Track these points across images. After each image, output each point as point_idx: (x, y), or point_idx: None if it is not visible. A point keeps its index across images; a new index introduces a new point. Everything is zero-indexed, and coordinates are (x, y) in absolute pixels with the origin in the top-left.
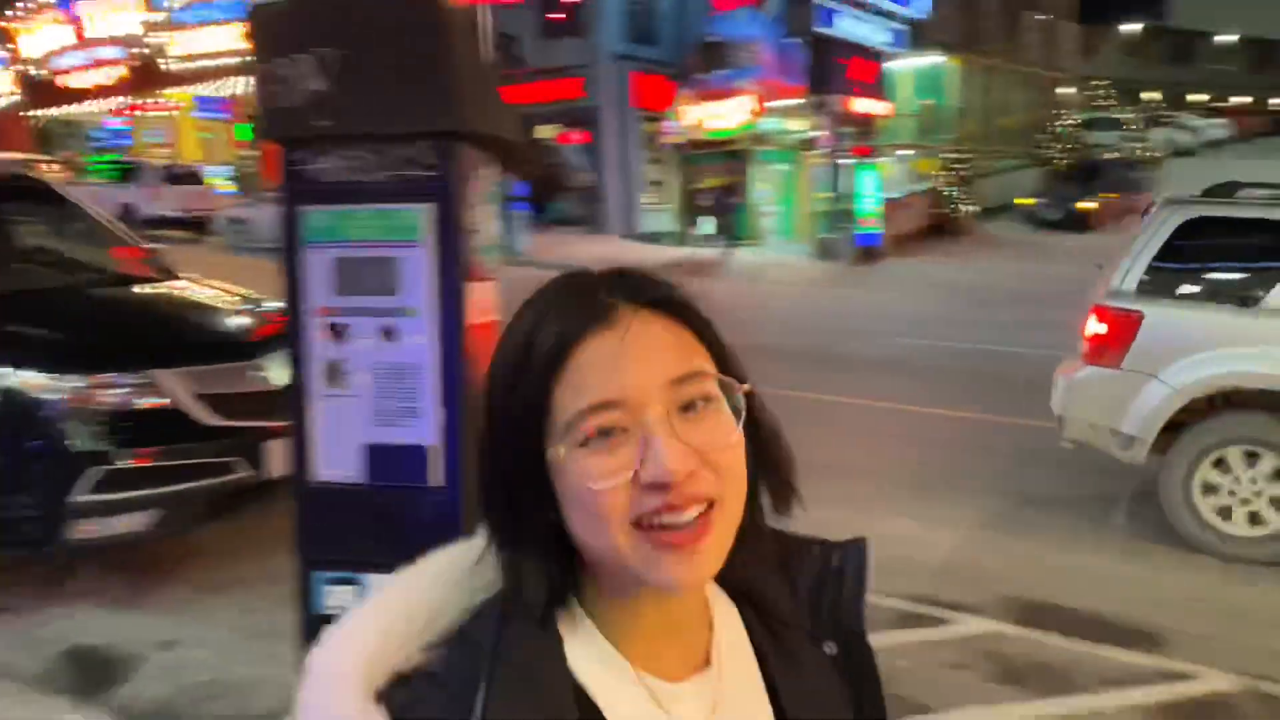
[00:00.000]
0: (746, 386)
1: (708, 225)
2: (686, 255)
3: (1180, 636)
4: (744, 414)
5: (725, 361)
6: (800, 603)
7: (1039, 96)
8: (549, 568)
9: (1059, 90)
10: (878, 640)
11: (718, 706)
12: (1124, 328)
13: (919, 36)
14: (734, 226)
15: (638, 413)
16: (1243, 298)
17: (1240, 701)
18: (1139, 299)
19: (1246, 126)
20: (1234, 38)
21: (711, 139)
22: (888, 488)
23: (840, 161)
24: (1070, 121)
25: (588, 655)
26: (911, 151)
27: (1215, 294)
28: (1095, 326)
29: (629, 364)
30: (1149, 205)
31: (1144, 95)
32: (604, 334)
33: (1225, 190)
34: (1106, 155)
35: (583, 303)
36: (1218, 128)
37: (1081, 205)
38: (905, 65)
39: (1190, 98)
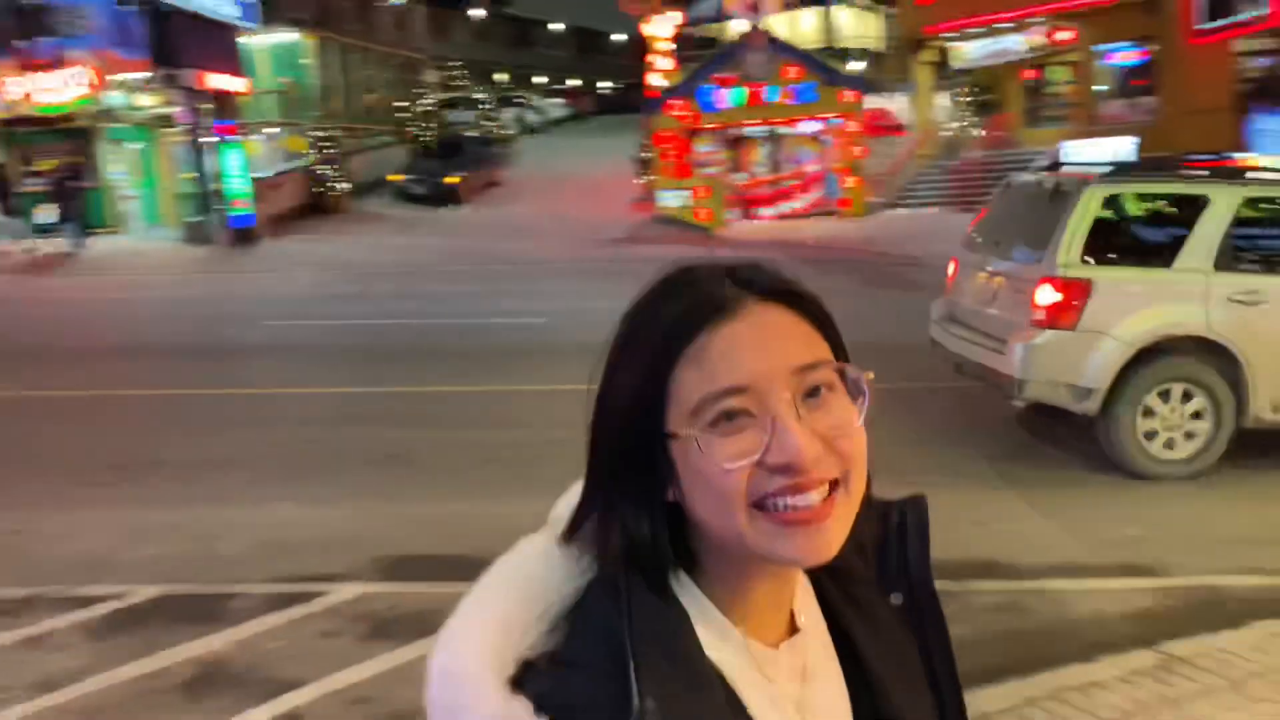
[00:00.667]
0: (870, 374)
1: (48, 214)
2: (24, 248)
3: None
4: (867, 400)
5: (842, 351)
6: (867, 559)
7: (400, 75)
8: (662, 541)
9: (419, 70)
10: (247, 629)
11: (806, 668)
12: (1077, 294)
13: (271, 12)
14: (83, 213)
15: (764, 398)
16: (1163, 260)
17: None
18: (1085, 268)
19: (582, 106)
20: (563, 26)
21: (43, 114)
22: (266, 474)
23: (202, 140)
24: (430, 100)
25: (705, 626)
26: (278, 130)
27: (1144, 259)
28: (1050, 295)
29: (755, 352)
30: (1008, 183)
31: (495, 76)
32: (731, 323)
33: (1147, 167)
34: (466, 133)
35: (709, 292)
36: (559, 107)
37: (447, 180)
38: (262, 41)
39: (534, 79)
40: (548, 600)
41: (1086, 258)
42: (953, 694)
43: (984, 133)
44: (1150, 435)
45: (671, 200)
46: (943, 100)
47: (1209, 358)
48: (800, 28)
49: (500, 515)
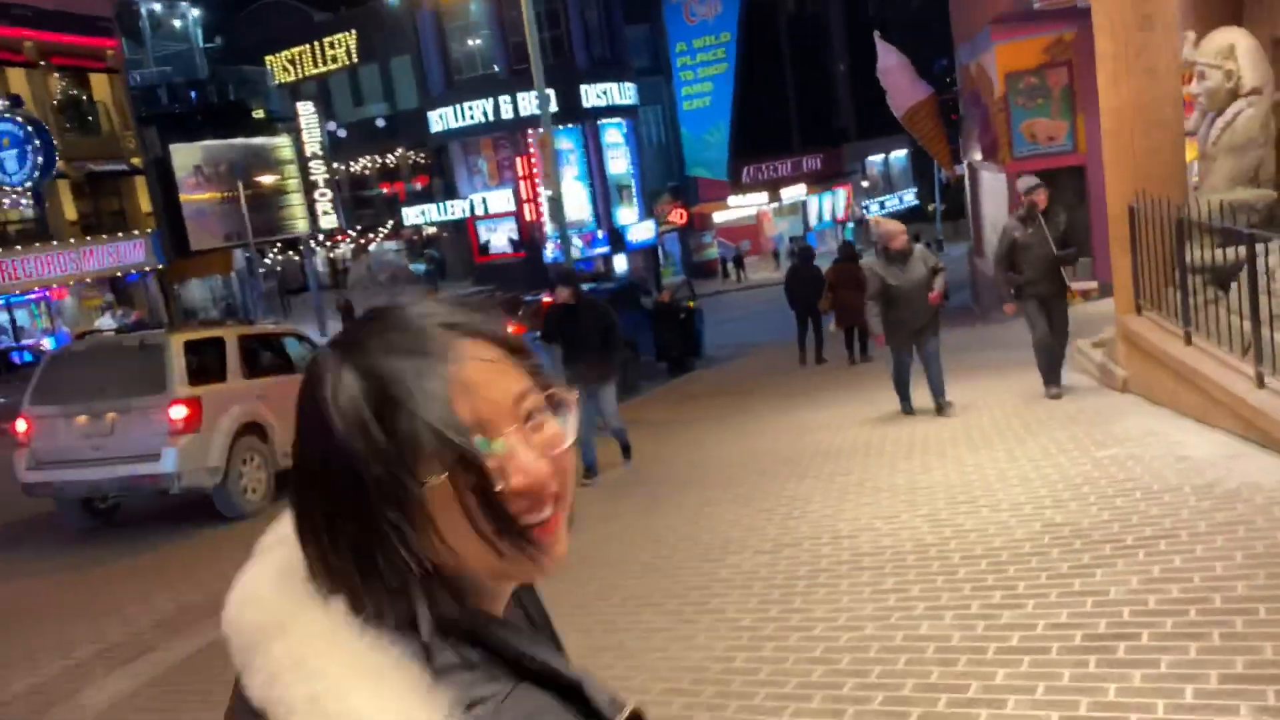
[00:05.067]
0: (573, 395)
1: None
2: None
3: None
4: (573, 416)
5: (539, 373)
6: None
7: None
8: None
9: None
10: None
11: None
12: (196, 407)
13: None
14: None
15: (496, 430)
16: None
17: None
18: (193, 389)
19: None
20: None
21: None
22: None
23: None
24: None
25: (514, 634)
26: None
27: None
28: (181, 411)
29: (479, 389)
30: (54, 356)
31: None
32: (451, 366)
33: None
34: None
35: (422, 339)
36: None
37: None
38: None
39: None
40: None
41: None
42: (545, 623)
43: None
44: (245, 489)
45: None
46: None
47: (259, 434)
48: None
49: None
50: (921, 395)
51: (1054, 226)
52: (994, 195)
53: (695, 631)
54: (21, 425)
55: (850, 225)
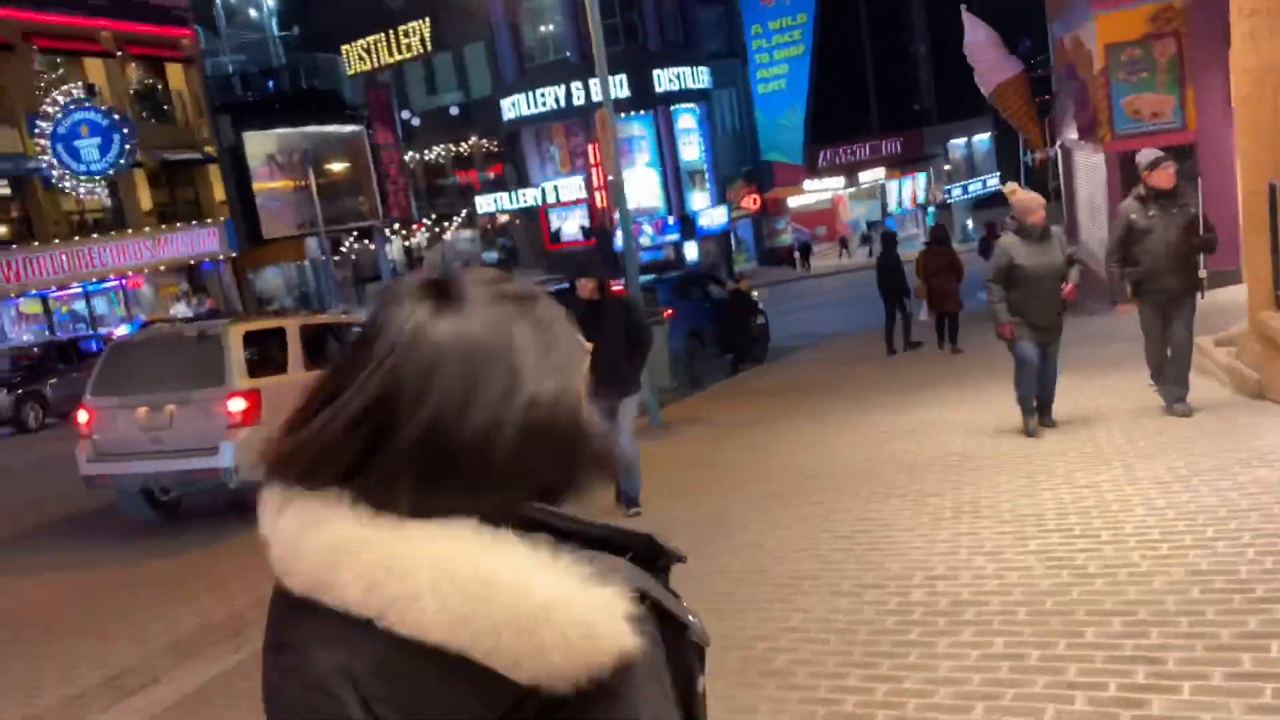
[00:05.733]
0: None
1: None
2: None
3: None
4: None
5: None
6: None
7: None
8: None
9: None
10: None
11: None
12: (254, 400)
13: None
14: None
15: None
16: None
17: None
18: (252, 380)
19: None
20: None
21: None
22: None
23: None
24: None
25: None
26: None
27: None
28: (240, 404)
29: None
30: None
31: None
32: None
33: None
34: None
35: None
36: None
37: None
38: None
39: None
40: None
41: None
42: None
43: None
44: None
45: None
46: None
47: None
48: None
49: None
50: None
51: (1182, 210)
52: (1091, 177)
53: (756, 702)
54: (83, 416)
55: (932, 210)
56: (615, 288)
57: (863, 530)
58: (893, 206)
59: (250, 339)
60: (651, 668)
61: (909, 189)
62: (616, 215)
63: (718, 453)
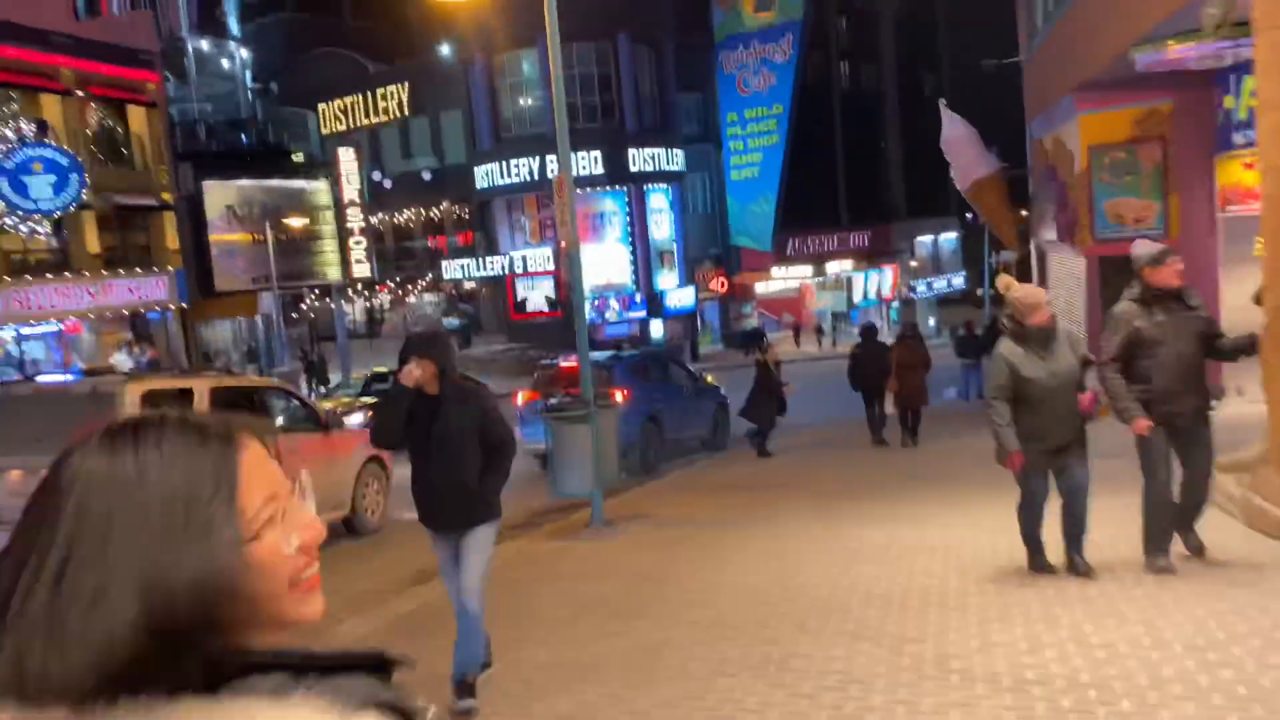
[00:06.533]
0: (307, 480)
1: None
2: None
3: None
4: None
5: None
6: None
7: None
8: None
9: None
10: None
11: None
12: None
13: None
14: None
15: (283, 500)
16: None
17: None
18: None
19: None
20: None
21: None
22: None
23: None
24: None
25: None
26: None
27: None
28: None
29: (267, 469)
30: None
31: None
32: (244, 455)
33: None
34: None
35: (216, 438)
36: None
37: None
38: None
39: None
40: None
41: None
42: None
43: None
44: None
45: None
46: None
47: None
48: None
49: None
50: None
51: (1194, 315)
52: (1068, 279)
53: None
54: None
55: (896, 304)
56: (462, 376)
57: (828, 688)
58: (858, 298)
59: (151, 400)
60: None
61: (875, 282)
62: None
63: (662, 563)
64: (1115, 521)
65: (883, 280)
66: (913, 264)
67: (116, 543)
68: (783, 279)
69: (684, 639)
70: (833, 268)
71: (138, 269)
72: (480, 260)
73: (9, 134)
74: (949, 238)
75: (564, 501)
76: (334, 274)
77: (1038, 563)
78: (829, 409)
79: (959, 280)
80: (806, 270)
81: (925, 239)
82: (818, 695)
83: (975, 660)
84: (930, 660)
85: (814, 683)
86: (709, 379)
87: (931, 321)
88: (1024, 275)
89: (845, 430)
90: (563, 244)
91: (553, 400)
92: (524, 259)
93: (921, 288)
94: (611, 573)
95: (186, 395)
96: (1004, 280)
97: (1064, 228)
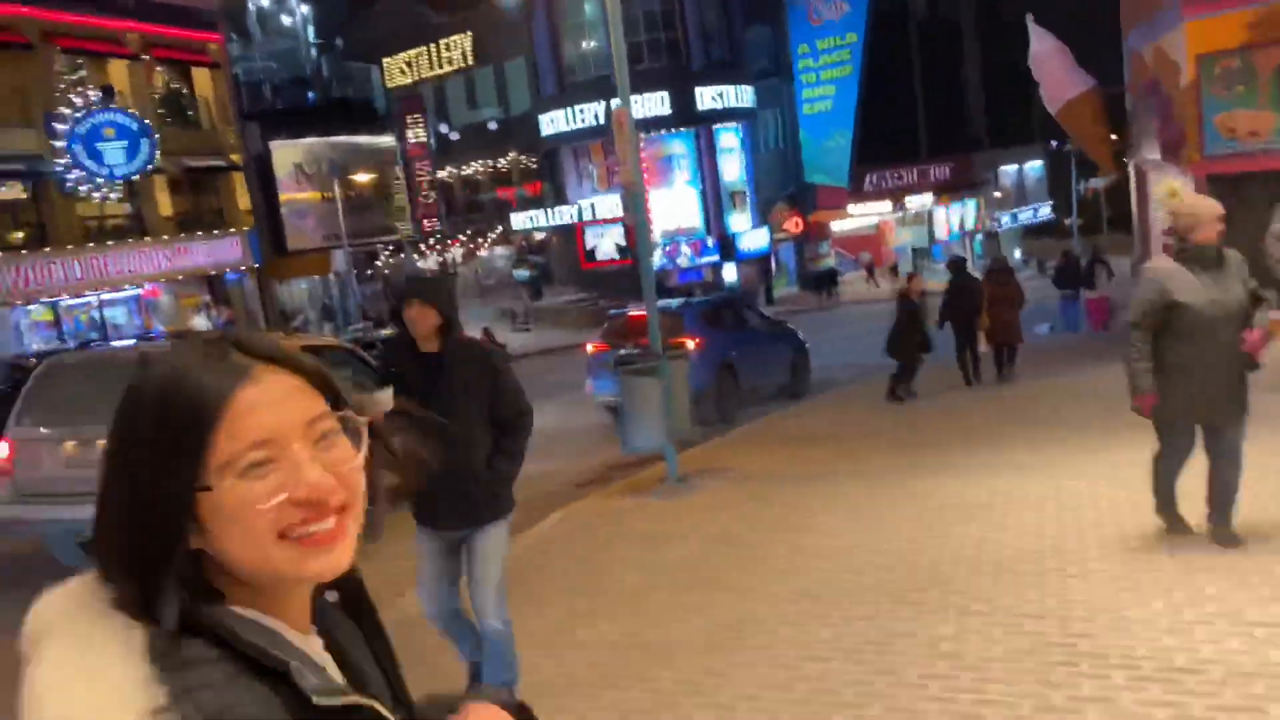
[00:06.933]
0: (367, 419)
1: None
2: None
3: None
4: (365, 439)
5: (339, 400)
6: None
7: None
8: (186, 590)
9: None
10: None
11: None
12: None
13: None
14: None
15: (285, 447)
16: None
17: None
18: None
19: None
20: None
21: None
22: None
23: None
24: None
25: (255, 635)
26: None
27: None
28: None
29: (273, 410)
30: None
31: None
32: (249, 388)
33: None
34: None
35: (223, 363)
36: None
37: None
38: None
39: None
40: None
41: None
42: (392, 668)
43: None
44: None
45: None
46: None
47: None
48: None
49: None
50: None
51: (1240, 269)
52: None
53: None
54: (3, 450)
55: (979, 238)
56: (471, 334)
57: (938, 675)
58: (941, 233)
59: None
60: None
61: (957, 215)
62: (655, 234)
63: (742, 523)
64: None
65: (965, 213)
66: (996, 195)
67: (114, 455)
68: (860, 216)
69: (768, 615)
70: (913, 202)
71: (211, 231)
72: (549, 210)
73: (77, 101)
74: (1034, 166)
75: (637, 456)
76: (403, 229)
77: (1173, 523)
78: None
79: (1045, 210)
80: (885, 206)
81: (1009, 169)
82: (925, 684)
83: (1108, 641)
84: (1055, 641)
85: (920, 668)
86: (785, 323)
87: (1017, 254)
88: (1120, 200)
89: (931, 372)
90: (625, 184)
91: (621, 352)
92: (592, 207)
93: (1006, 219)
94: (688, 534)
95: None
96: (1166, 185)
97: (1168, 146)
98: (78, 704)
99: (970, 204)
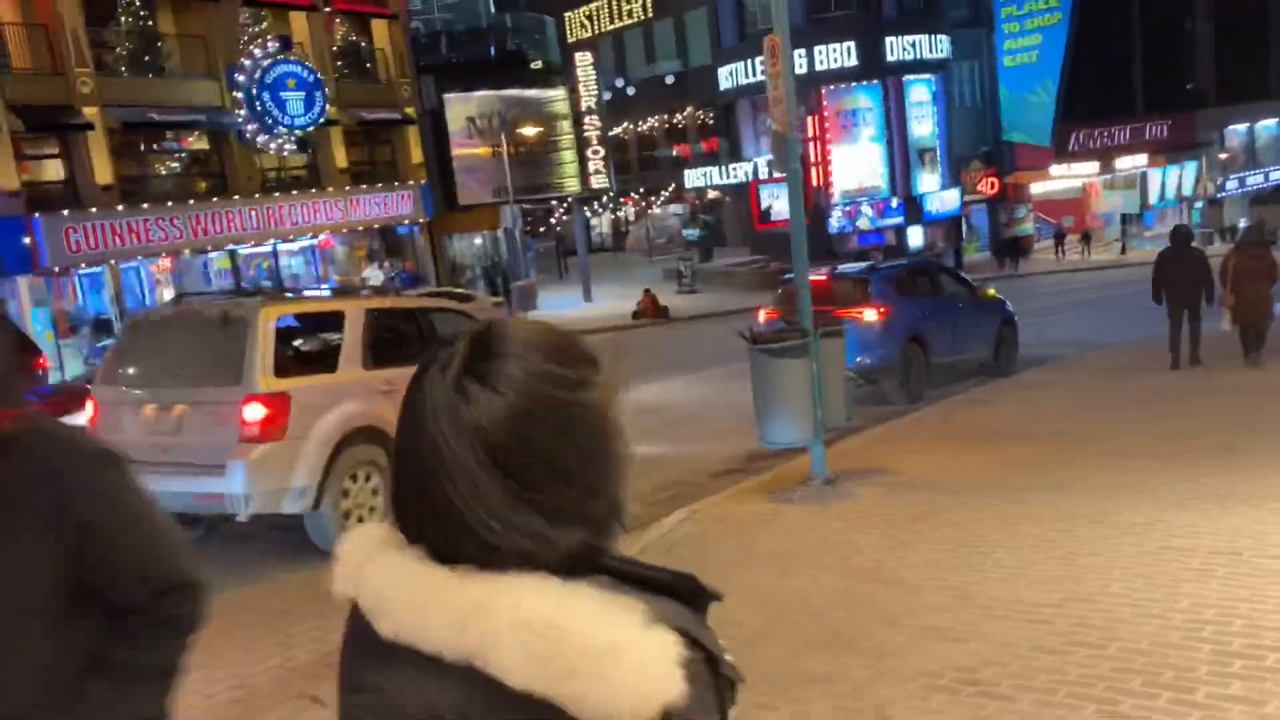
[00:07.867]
0: None
1: None
2: None
3: None
4: None
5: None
6: None
7: None
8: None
9: None
10: None
11: None
12: (281, 407)
13: None
14: None
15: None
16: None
17: None
18: (280, 382)
19: None
20: None
21: None
22: None
23: None
24: None
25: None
26: None
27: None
28: (258, 411)
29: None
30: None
31: None
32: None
33: None
34: None
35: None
36: None
37: None
38: None
39: None
40: None
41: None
42: None
43: None
44: (346, 514)
45: None
46: None
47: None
48: None
49: None
50: None
51: None
52: None
53: None
54: (88, 410)
55: (1200, 205)
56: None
57: None
58: (1154, 198)
59: (292, 325)
60: (702, 708)
61: (1175, 178)
62: (834, 194)
63: (897, 553)
64: None
65: (1184, 176)
66: (1221, 157)
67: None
68: (1064, 177)
69: (906, 712)
70: (1123, 164)
71: (385, 184)
72: (724, 168)
73: (257, 52)
74: (1268, 124)
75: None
76: (572, 186)
77: None
78: (1114, 329)
79: (1279, 175)
80: (1092, 167)
81: (1238, 127)
82: None
83: None
84: None
85: None
86: (991, 291)
87: (1242, 222)
88: None
89: (1142, 357)
90: (778, 128)
91: (762, 328)
92: (769, 164)
93: (1232, 184)
94: (826, 561)
95: (334, 320)
96: None
97: None
98: (624, 630)
99: (1190, 166)
